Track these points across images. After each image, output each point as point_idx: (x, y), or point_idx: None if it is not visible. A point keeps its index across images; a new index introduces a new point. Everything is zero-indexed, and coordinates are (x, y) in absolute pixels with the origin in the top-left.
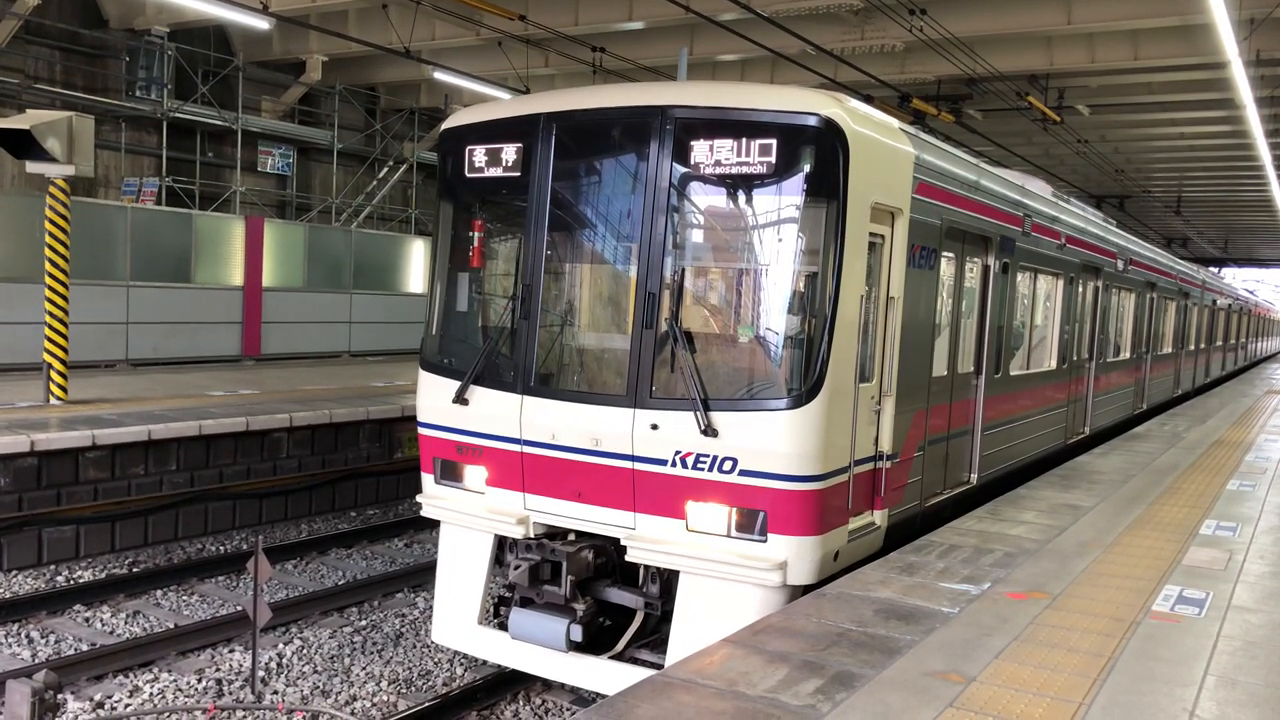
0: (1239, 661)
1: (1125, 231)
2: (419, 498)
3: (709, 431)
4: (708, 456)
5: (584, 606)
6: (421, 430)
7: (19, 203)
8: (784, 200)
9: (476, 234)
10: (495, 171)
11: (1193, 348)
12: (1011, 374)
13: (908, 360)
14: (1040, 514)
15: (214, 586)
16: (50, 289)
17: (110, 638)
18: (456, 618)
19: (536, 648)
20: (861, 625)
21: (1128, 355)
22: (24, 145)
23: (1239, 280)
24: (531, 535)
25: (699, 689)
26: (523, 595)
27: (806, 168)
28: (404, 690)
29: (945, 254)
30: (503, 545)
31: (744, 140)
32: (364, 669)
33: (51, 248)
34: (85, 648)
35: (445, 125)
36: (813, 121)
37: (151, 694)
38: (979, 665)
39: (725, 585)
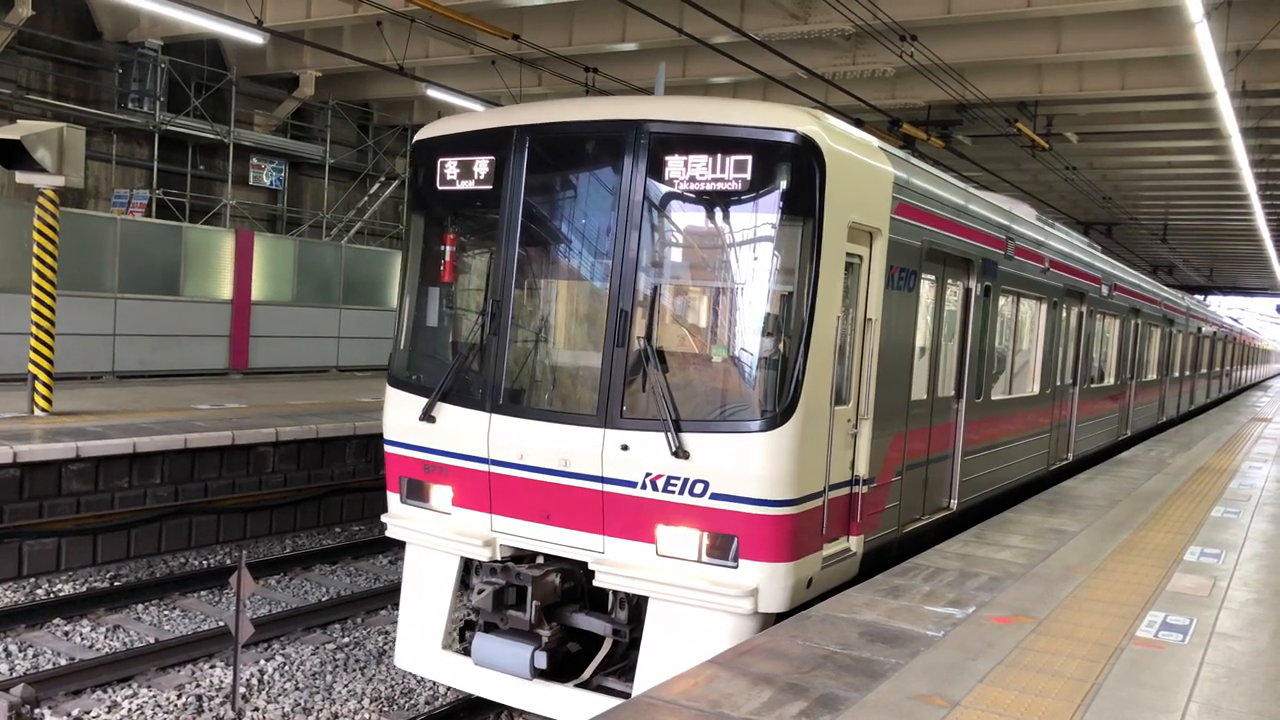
0: (1222, 689)
1: (1110, 258)
2: (384, 517)
3: (680, 453)
4: (678, 479)
5: (549, 632)
6: (388, 448)
7: (8, 213)
8: (759, 218)
9: (447, 248)
10: (467, 184)
11: (1177, 374)
12: (993, 398)
13: (886, 383)
14: (1026, 538)
15: (196, 601)
16: (37, 299)
17: (90, 652)
18: (420, 642)
19: (501, 675)
20: (846, 648)
21: (1112, 381)
22: (14, 155)
23: (1224, 308)
24: (498, 558)
25: (683, 710)
26: (487, 620)
27: (782, 185)
28: (386, 709)
29: (926, 276)
30: (469, 568)
31: (719, 156)
32: (346, 686)
33: (39, 258)
34: (64, 662)
35: (418, 137)
36: (789, 138)
37: (130, 710)
38: (963, 689)
39: (695, 612)
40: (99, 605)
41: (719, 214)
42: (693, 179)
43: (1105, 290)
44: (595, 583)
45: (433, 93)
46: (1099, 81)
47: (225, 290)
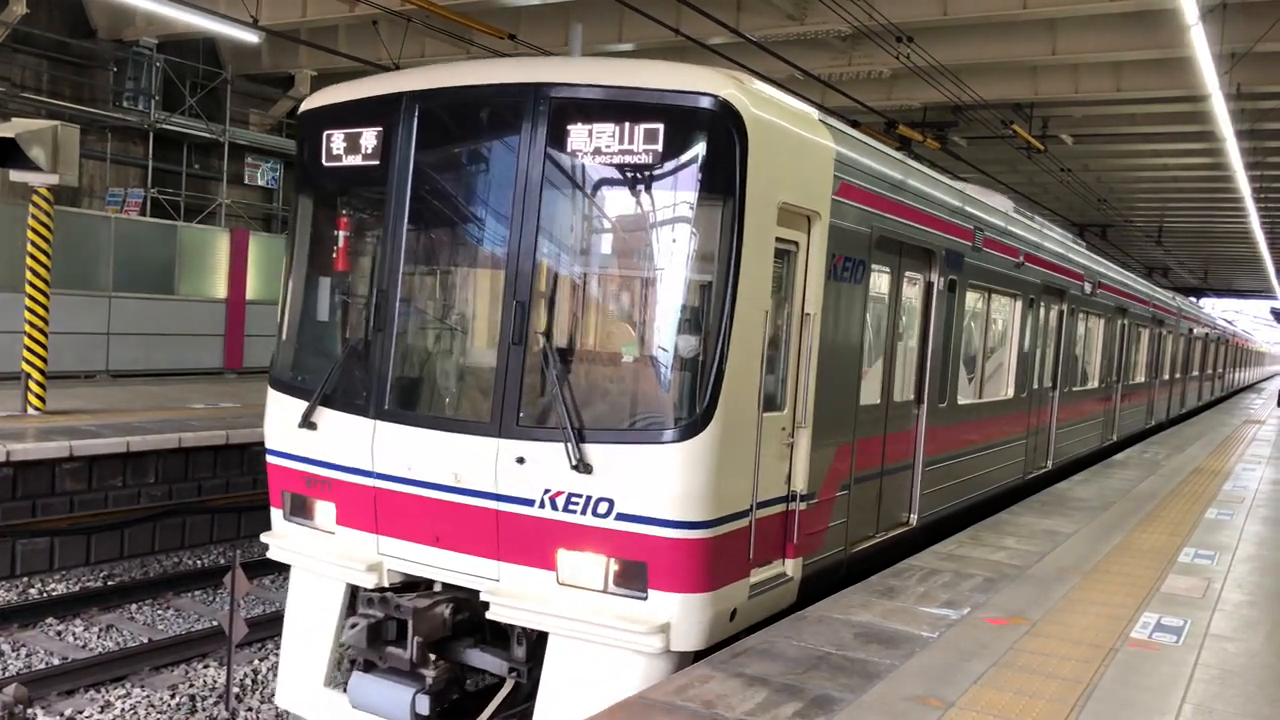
0: (1216, 690)
1: (1099, 256)
2: (264, 536)
3: (581, 467)
4: (580, 497)
5: (434, 672)
6: (269, 458)
7: (2, 211)
8: (672, 196)
9: (332, 232)
10: (354, 160)
11: (1167, 377)
12: (960, 403)
13: (828, 387)
14: (1020, 539)
15: (190, 601)
16: (31, 298)
17: (83, 652)
18: (301, 679)
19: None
20: (841, 648)
21: (1096, 384)
22: (9, 154)
23: (1218, 310)
24: (386, 584)
25: (678, 710)
26: (366, 658)
27: (697, 157)
28: None
29: (877, 267)
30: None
31: (627, 125)
32: None
33: (33, 257)
34: (57, 662)
35: (303, 106)
36: (704, 103)
37: (124, 709)
38: (958, 690)
39: (600, 651)
40: (92, 605)
41: (628, 192)
42: (598, 151)
43: (1088, 288)
44: (488, 615)
45: None
46: (1094, 84)
47: (220, 289)
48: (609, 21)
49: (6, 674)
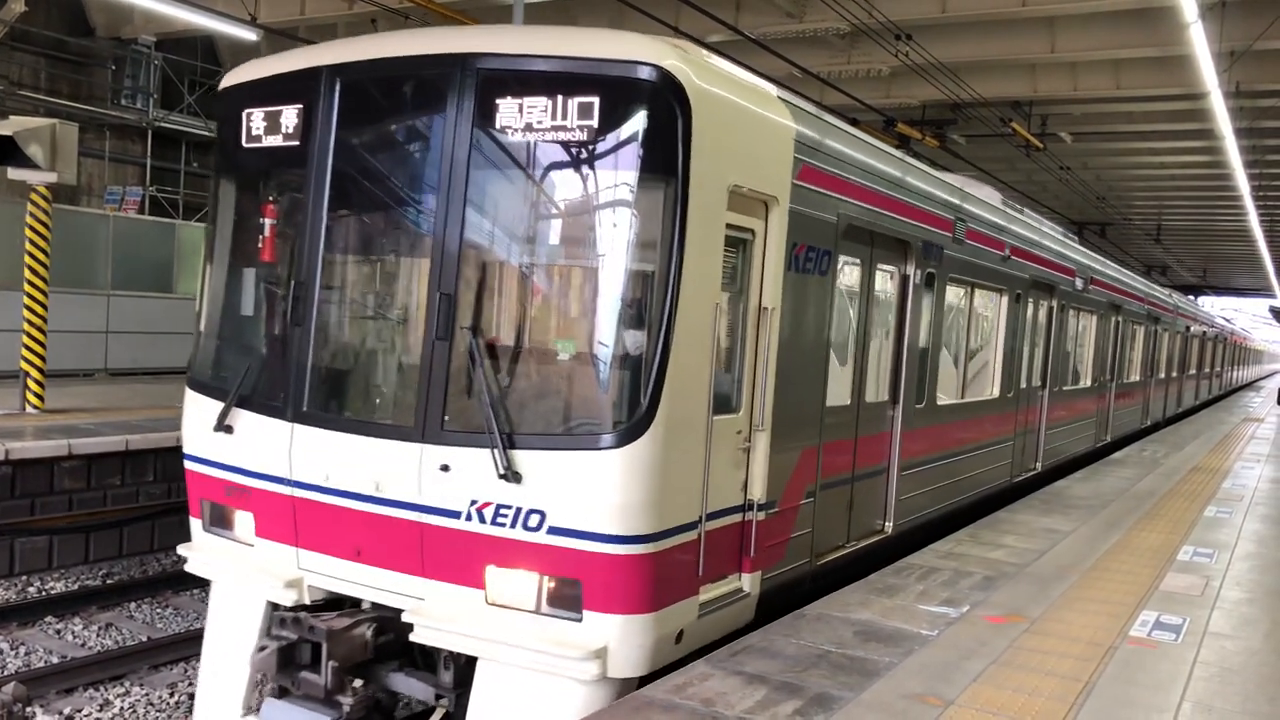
0: (1215, 688)
1: (1094, 251)
2: (182, 549)
3: (510, 476)
4: (509, 509)
5: (352, 700)
6: (186, 464)
7: (0, 209)
8: (609, 177)
9: (254, 220)
10: (274, 140)
11: (1163, 375)
12: (939, 404)
13: (790, 386)
14: (1019, 538)
15: (189, 599)
16: (29, 296)
17: (82, 650)
18: (218, 704)
19: None
20: (841, 647)
21: (1089, 383)
22: (7, 152)
23: (1217, 308)
24: (307, 601)
25: (677, 709)
26: (279, 683)
27: (636, 134)
28: None
29: (845, 258)
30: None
31: (559, 98)
32: None
33: (31, 255)
34: (56, 660)
35: (222, 83)
36: (643, 74)
37: (123, 708)
38: (957, 688)
39: (532, 678)
40: (91, 603)
41: (562, 172)
42: (529, 127)
43: (1080, 284)
44: (412, 637)
45: None
46: (1093, 82)
47: None
48: (607, 19)
49: (5, 672)
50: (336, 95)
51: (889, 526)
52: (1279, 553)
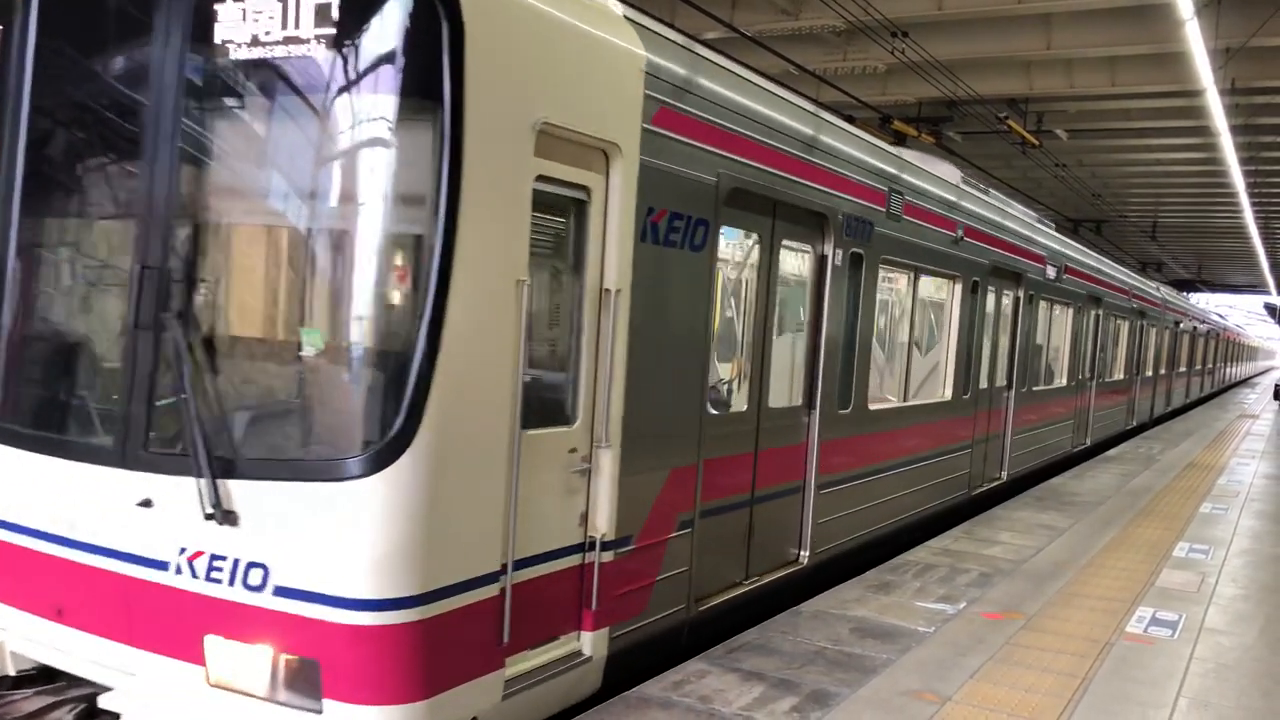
0: (1211, 684)
1: (1072, 240)
2: None
3: (220, 516)
4: (224, 559)
5: None
6: None
7: None
8: (358, 105)
9: None
10: None
11: (1150, 373)
12: (872, 409)
13: (651, 390)
14: (1016, 534)
15: None
16: None
17: None
18: None
19: None
20: (837, 643)
21: (1064, 383)
22: None
23: (1212, 305)
24: (11, 672)
25: (675, 706)
26: None
27: (391, 48)
28: None
29: (731, 230)
30: None
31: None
32: None
33: None
34: None
35: None
36: None
37: None
38: (954, 685)
39: None
40: None
41: (297, 102)
42: (256, 41)
43: (1052, 272)
44: None
45: None
46: (1089, 79)
47: None
48: None
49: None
50: (35, 8)
51: (804, 556)
52: (1274, 549)
